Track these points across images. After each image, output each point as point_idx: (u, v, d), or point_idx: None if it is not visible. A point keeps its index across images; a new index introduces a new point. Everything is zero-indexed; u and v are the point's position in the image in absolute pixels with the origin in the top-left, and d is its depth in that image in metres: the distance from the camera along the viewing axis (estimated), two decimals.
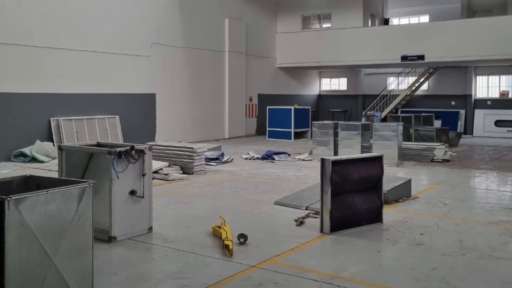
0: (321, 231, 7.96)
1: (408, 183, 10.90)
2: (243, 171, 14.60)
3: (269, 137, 25.11)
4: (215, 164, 15.54)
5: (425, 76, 29.46)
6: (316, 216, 8.70)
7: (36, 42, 17.07)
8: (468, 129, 28.66)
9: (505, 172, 14.65)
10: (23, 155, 16.08)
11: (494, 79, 29.10)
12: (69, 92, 18.14)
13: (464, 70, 28.98)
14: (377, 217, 8.54)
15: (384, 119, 26.56)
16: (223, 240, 7.05)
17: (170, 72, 22.29)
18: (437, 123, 25.50)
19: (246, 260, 6.61)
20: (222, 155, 16.45)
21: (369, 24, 28.68)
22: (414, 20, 31.19)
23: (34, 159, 15.93)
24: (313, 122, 18.43)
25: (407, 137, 19.12)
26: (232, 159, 16.61)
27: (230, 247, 6.82)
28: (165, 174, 13.03)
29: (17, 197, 4.31)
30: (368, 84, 32.69)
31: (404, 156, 16.46)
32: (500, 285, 5.86)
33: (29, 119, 16.87)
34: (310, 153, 17.70)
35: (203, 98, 24.02)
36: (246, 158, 17.15)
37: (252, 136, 26.74)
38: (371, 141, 16.29)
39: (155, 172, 12.49)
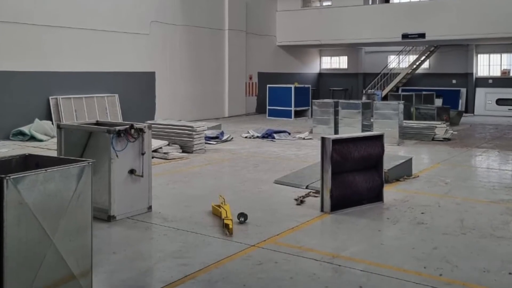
0: (322, 210, 7.94)
1: (409, 162, 10.86)
2: (243, 150, 14.57)
3: (269, 115, 25.06)
4: (214, 143, 15.50)
5: (426, 55, 29.30)
6: (316, 195, 8.68)
7: (34, 20, 16.93)
8: (469, 108, 28.56)
9: (506, 151, 14.61)
10: (22, 134, 16.03)
11: (495, 57, 28.94)
12: (68, 71, 18.05)
13: (465, 48, 28.81)
14: (377, 196, 8.51)
15: (384, 98, 26.47)
16: (223, 219, 7.02)
17: (170, 50, 22.15)
18: (438, 102, 25.43)
19: (246, 239, 6.59)
20: (222, 133, 16.40)
21: (370, 2, 28.44)
22: None
23: (33, 138, 15.89)
24: (314, 100, 18.34)
25: (408, 115, 19.06)
26: (232, 138, 16.56)
27: (230, 226, 6.80)
28: (164, 153, 13.00)
29: (16, 176, 4.26)
30: (369, 62, 32.51)
31: (405, 135, 16.41)
32: (501, 264, 5.84)
33: (27, 97, 16.80)
34: (311, 132, 17.66)
35: (203, 76, 23.90)
36: (246, 137, 17.11)
37: (252, 114, 26.68)
38: (371, 120, 16.22)
39: (155, 151, 12.46)
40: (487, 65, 29.17)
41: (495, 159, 13.49)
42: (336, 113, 16.76)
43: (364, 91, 28.57)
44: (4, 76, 16.19)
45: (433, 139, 16.49)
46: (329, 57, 34.08)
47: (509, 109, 27.28)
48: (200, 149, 13.86)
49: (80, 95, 18.34)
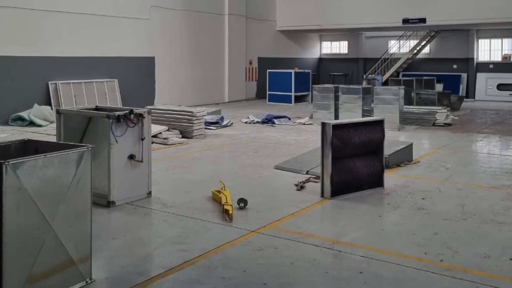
0: (322, 195, 7.92)
1: (409, 147, 10.83)
2: (243, 135, 14.53)
3: (269, 101, 24.98)
4: (214, 128, 15.47)
5: (426, 39, 29.16)
6: (316, 180, 8.65)
7: (34, 5, 16.83)
8: (470, 93, 28.48)
9: (507, 136, 14.57)
10: (21, 119, 15.99)
11: (496, 42, 28.82)
12: (68, 56, 17.96)
13: (466, 33, 28.67)
14: (378, 182, 8.50)
15: (385, 83, 26.38)
16: (223, 205, 7.01)
17: (170, 35, 22.04)
18: (439, 87, 25.34)
19: (246, 225, 6.58)
20: (222, 119, 16.36)
21: None
22: None
23: (32, 123, 15.85)
24: (314, 85, 18.28)
25: (408, 101, 19.01)
26: (232, 123, 16.52)
27: (230, 212, 6.78)
28: (164, 138, 12.97)
29: (15, 162, 4.23)
30: (369, 47, 32.39)
31: (406, 120, 16.36)
32: (502, 250, 5.83)
33: (27, 82, 16.73)
34: (311, 117, 17.61)
35: (203, 61, 23.80)
36: (246, 122, 17.06)
37: (252, 99, 26.60)
38: (372, 105, 16.17)
39: (154, 136, 12.43)
40: (488, 50, 29.06)
41: (496, 145, 13.45)
42: (336, 98, 16.70)
43: (364, 76, 28.45)
44: (3, 61, 16.11)
45: (433, 125, 16.45)
46: (329, 42, 33.94)
47: (510, 94, 27.19)
48: (200, 135, 13.83)
49: (80, 80, 18.27)
